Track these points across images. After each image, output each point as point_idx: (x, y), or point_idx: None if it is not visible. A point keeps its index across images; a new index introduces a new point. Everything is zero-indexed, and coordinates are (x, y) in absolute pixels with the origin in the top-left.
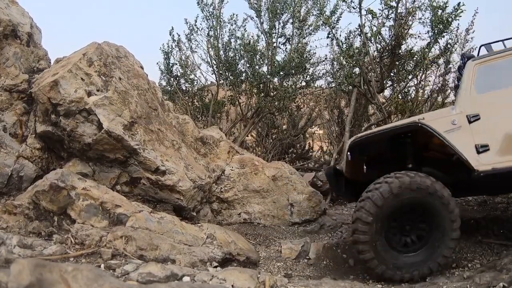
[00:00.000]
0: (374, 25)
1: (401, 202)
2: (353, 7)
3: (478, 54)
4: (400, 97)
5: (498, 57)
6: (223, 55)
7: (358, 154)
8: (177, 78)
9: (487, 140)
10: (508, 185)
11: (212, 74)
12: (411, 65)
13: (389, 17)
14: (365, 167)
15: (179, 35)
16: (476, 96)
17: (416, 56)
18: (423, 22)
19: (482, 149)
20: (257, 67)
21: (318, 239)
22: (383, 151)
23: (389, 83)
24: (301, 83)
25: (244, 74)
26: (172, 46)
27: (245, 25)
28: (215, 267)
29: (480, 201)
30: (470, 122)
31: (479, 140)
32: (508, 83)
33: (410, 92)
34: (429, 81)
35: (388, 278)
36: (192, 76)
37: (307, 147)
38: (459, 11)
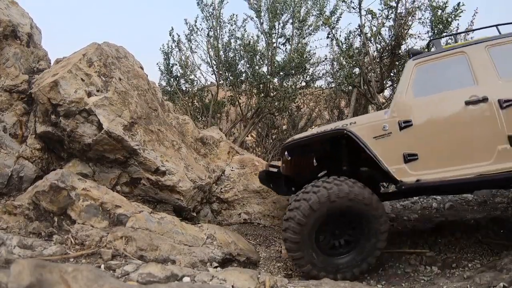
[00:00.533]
0: (374, 25)
1: (335, 209)
2: (353, 7)
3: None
4: None
5: (439, 56)
6: (223, 56)
7: (298, 154)
8: (177, 79)
9: (417, 149)
10: (437, 192)
11: (212, 74)
12: None
13: (389, 17)
14: (315, 162)
15: (179, 36)
16: (412, 100)
17: None
18: (422, 22)
19: (409, 158)
20: (257, 67)
21: None
22: (324, 150)
23: (389, 83)
24: (301, 83)
25: (244, 75)
26: (172, 46)
27: (245, 26)
28: (215, 267)
29: (480, 201)
30: (401, 128)
31: (408, 148)
32: (444, 87)
33: None
34: None
35: (313, 277)
36: (192, 77)
37: None
38: (458, 11)
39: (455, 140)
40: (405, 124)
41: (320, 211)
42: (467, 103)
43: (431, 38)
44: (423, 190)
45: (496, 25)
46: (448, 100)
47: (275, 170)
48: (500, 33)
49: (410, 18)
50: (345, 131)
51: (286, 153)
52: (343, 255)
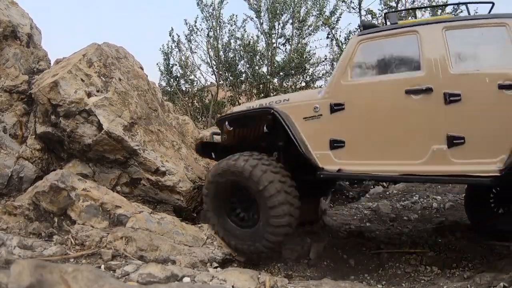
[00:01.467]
0: None
1: (226, 181)
2: (352, 8)
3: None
4: None
5: (387, 34)
6: (223, 56)
7: (239, 125)
8: (177, 79)
9: (345, 135)
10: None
11: (212, 74)
12: None
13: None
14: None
15: (178, 36)
16: (348, 81)
17: None
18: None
19: (336, 144)
20: (257, 67)
21: (319, 240)
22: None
23: None
24: (301, 83)
25: (244, 75)
26: (172, 47)
27: (244, 26)
28: (216, 267)
29: None
30: (332, 111)
31: (336, 134)
32: (386, 70)
33: None
34: None
35: (227, 243)
36: (192, 77)
37: None
38: (458, 11)
39: (387, 131)
40: (337, 107)
41: (216, 182)
42: (408, 91)
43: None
44: (341, 178)
45: (466, 3)
46: (387, 86)
47: (219, 137)
48: (469, 13)
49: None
50: (271, 110)
51: (227, 123)
52: (249, 228)
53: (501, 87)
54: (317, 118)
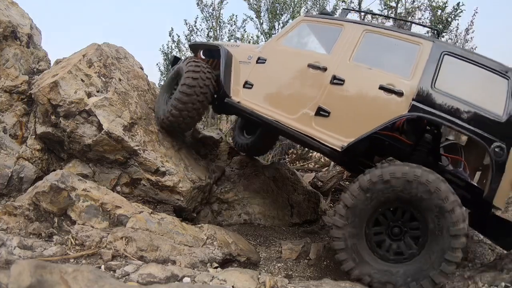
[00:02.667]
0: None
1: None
2: (352, 8)
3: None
4: None
5: (324, 21)
6: None
7: (206, 55)
8: None
9: (255, 81)
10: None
11: None
12: None
13: (388, 17)
14: None
15: (178, 36)
16: (278, 45)
17: None
18: (422, 22)
19: (247, 85)
20: None
21: (319, 240)
22: None
23: None
24: None
25: None
26: (171, 47)
27: (244, 26)
28: (216, 267)
29: None
30: (257, 62)
31: (251, 78)
32: (307, 46)
33: None
34: None
35: None
36: None
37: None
38: (458, 11)
39: (282, 87)
40: (261, 61)
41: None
42: (309, 65)
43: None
44: (240, 113)
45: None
46: (299, 57)
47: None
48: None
49: (410, 18)
50: (218, 47)
51: (201, 52)
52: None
53: (381, 87)
54: (246, 64)
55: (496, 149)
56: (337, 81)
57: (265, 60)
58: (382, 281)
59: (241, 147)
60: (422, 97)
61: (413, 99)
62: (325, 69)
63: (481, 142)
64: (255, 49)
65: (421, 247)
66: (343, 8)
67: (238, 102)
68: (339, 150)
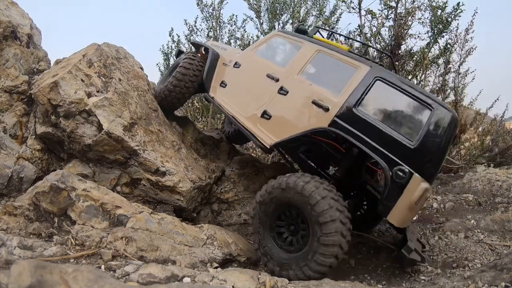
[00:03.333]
0: (374, 26)
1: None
2: (352, 8)
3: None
4: None
5: (290, 38)
6: None
7: (205, 52)
8: None
9: (228, 81)
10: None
11: None
12: (411, 65)
13: (388, 17)
14: None
15: (178, 36)
16: (253, 55)
17: (415, 56)
18: (422, 22)
19: (222, 84)
20: None
21: None
22: None
23: None
24: None
25: None
26: (171, 47)
27: (244, 26)
28: (216, 267)
29: (480, 201)
30: (234, 66)
31: (226, 78)
32: (272, 58)
33: None
34: (429, 81)
35: None
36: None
37: None
38: (458, 11)
39: (245, 90)
40: (236, 65)
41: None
42: (267, 75)
43: (431, 38)
44: (214, 104)
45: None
46: (263, 66)
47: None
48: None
49: (410, 18)
50: (208, 47)
51: (203, 49)
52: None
53: (313, 102)
54: (227, 66)
55: (399, 172)
56: (282, 91)
57: (240, 65)
58: (273, 261)
59: (227, 134)
60: (344, 115)
61: (335, 115)
62: (277, 80)
63: (380, 161)
64: (235, 54)
65: (305, 243)
66: (315, 26)
67: (213, 97)
68: (268, 147)
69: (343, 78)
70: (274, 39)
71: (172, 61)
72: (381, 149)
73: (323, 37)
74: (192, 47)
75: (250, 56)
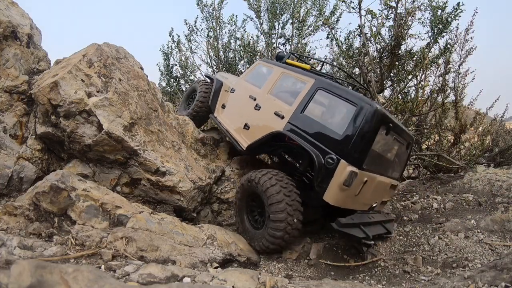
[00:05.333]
0: (374, 26)
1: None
2: (352, 8)
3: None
4: (400, 97)
5: (267, 64)
6: (223, 56)
7: (211, 82)
8: (177, 79)
9: (227, 104)
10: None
11: (212, 74)
12: (411, 65)
13: (388, 17)
14: None
15: (178, 36)
16: (242, 80)
17: (415, 56)
18: (422, 22)
19: (223, 106)
20: None
21: (319, 240)
22: None
23: (389, 83)
24: None
25: None
26: (172, 47)
27: (244, 26)
28: (216, 268)
29: (480, 201)
30: (231, 91)
31: (226, 102)
32: (255, 82)
33: (410, 92)
34: (429, 81)
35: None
36: (192, 77)
37: None
38: (458, 11)
39: (235, 110)
40: (232, 91)
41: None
42: (249, 96)
43: (431, 38)
44: (216, 122)
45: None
46: (248, 89)
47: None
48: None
49: (410, 18)
50: (214, 78)
51: (209, 79)
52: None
53: (275, 113)
54: (227, 92)
55: (329, 159)
56: (257, 107)
57: (234, 90)
58: (247, 235)
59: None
60: (293, 119)
61: (288, 121)
62: (255, 99)
63: (314, 152)
64: (233, 82)
65: (265, 222)
66: (289, 52)
67: (216, 117)
68: (244, 149)
69: (296, 92)
70: (257, 66)
71: (172, 61)
72: (317, 143)
73: (298, 60)
74: (206, 78)
75: (241, 82)
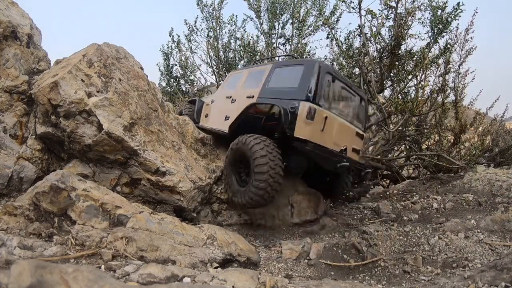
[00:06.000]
0: (374, 26)
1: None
2: (352, 8)
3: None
4: (400, 97)
5: (237, 72)
6: (223, 56)
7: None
8: (177, 79)
9: (209, 113)
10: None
11: (212, 74)
12: (410, 65)
13: (388, 17)
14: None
15: (178, 36)
16: (219, 90)
17: (415, 56)
18: (422, 22)
19: (206, 116)
20: None
21: (319, 240)
22: None
23: (389, 83)
24: None
25: None
26: (172, 47)
27: (244, 26)
28: (216, 268)
29: (480, 201)
30: (211, 103)
31: (208, 112)
32: (230, 87)
33: (410, 92)
34: (429, 81)
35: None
36: (192, 77)
37: None
38: (458, 11)
39: (216, 111)
40: (212, 102)
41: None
42: (226, 97)
43: (431, 38)
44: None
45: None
46: (225, 94)
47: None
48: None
49: (410, 18)
50: (196, 100)
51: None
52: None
53: (247, 96)
54: (209, 105)
55: (291, 105)
56: (233, 100)
57: (214, 101)
58: (231, 192)
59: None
60: (262, 94)
61: (258, 97)
62: (230, 97)
63: (280, 105)
64: (213, 96)
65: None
66: (255, 61)
67: (201, 124)
68: (227, 131)
69: (261, 78)
70: (231, 77)
71: (172, 61)
72: (281, 99)
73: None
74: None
75: (219, 92)
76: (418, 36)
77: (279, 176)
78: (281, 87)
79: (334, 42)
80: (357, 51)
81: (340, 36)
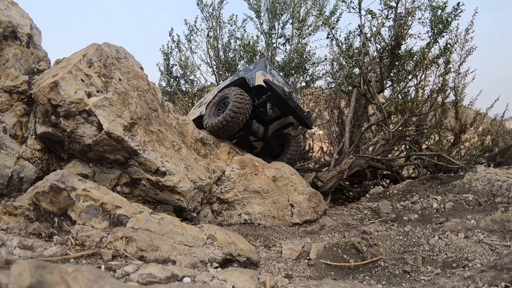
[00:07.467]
0: (374, 25)
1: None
2: (352, 8)
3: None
4: (400, 97)
5: (207, 90)
6: (223, 56)
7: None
8: (177, 79)
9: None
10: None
11: (212, 74)
12: (411, 65)
13: (388, 17)
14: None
15: (178, 36)
16: (197, 108)
17: (415, 56)
18: (422, 22)
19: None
20: None
21: (319, 240)
22: None
23: (389, 83)
24: (301, 83)
25: None
26: (171, 47)
27: (244, 26)
28: (216, 268)
29: (480, 201)
30: (206, 108)
31: (203, 112)
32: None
33: (410, 92)
34: (429, 81)
35: None
36: (192, 77)
37: (307, 148)
38: (458, 10)
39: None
40: (206, 104)
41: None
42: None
43: (431, 38)
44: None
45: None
46: (198, 111)
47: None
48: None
49: (410, 18)
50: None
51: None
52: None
53: (200, 114)
54: (201, 105)
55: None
56: (201, 120)
57: (203, 116)
58: (211, 122)
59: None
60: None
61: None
62: (201, 116)
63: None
64: (201, 111)
65: None
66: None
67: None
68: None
69: (208, 98)
70: (206, 94)
71: (172, 61)
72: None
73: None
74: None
75: (198, 109)
76: (418, 36)
77: (246, 113)
78: (247, 76)
79: (334, 42)
80: (357, 51)
81: (340, 36)
